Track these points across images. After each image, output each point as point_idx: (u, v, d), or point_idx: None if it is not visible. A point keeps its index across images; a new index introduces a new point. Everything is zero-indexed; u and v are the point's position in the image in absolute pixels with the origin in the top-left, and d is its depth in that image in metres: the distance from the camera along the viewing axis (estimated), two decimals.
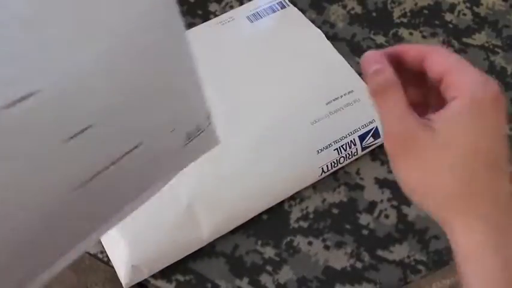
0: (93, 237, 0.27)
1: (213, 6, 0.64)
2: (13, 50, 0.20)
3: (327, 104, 0.54)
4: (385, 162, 0.54)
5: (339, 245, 0.50)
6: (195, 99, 0.30)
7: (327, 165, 0.51)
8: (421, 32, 0.62)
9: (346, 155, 0.52)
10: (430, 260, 0.49)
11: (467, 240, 0.30)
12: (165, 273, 0.49)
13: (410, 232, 0.50)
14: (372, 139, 0.53)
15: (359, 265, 0.49)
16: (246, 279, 0.48)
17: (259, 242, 0.50)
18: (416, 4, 0.64)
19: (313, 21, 0.62)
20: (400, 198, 0.52)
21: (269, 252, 0.50)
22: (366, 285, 0.48)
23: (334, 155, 0.52)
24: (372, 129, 0.53)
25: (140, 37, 0.25)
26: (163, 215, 0.48)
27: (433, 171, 0.30)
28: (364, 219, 0.51)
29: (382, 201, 0.52)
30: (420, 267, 0.49)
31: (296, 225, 0.51)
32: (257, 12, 0.61)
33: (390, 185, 0.53)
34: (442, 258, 0.49)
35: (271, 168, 0.50)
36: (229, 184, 0.49)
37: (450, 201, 0.30)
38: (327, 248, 0.50)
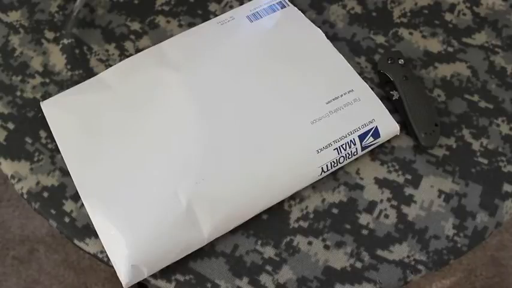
0: None
1: (213, 6, 0.64)
2: None
3: (326, 103, 0.54)
4: (384, 162, 0.54)
5: (339, 244, 0.50)
6: None
7: (326, 165, 0.51)
8: (421, 31, 0.62)
9: (345, 154, 0.52)
10: (430, 260, 0.49)
11: None
12: (165, 273, 0.49)
13: (410, 232, 0.50)
14: (371, 139, 0.53)
15: (359, 265, 0.49)
16: (245, 279, 0.48)
17: (259, 242, 0.50)
18: (416, 4, 0.64)
19: (313, 21, 0.62)
20: (399, 198, 0.52)
21: (269, 252, 0.50)
22: (366, 285, 0.48)
23: (334, 155, 0.52)
24: (372, 128, 0.53)
25: None
26: (163, 215, 0.48)
27: None
28: (364, 219, 0.51)
29: (381, 201, 0.52)
30: (420, 267, 0.49)
31: (296, 225, 0.51)
32: (257, 12, 0.61)
33: (390, 184, 0.53)
34: (442, 258, 0.49)
35: (271, 168, 0.50)
36: (228, 184, 0.49)
37: None
38: (326, 247, 0.50)
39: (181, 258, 0.49)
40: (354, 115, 0.53)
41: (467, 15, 0.63)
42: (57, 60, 0.61)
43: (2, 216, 1.24)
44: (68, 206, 0.52)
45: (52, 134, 0.56)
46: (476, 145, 0.55)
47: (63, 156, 0.53)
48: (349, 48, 0.61)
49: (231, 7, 0.64)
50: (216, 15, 0.63)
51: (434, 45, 0.61)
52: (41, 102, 0.56)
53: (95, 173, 0.51)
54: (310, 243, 0.50)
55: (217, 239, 0.50)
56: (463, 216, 0.51)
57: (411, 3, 0.64)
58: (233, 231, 0.51)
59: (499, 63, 0.60)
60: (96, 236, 0.50)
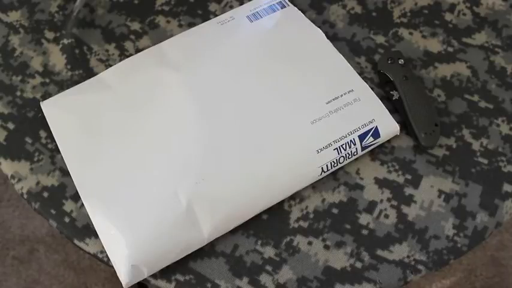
0: None
1: (213, 6, 0.64)
2: None
3: (326, 103, 0.54)
4: (384, 162, 0.54)
5: (339, 244, 0.50)
6: None
7: (326, 165, 0.51)
8: (421, 31, 0.62)
9: (345, 154, 0.52)
10: (430, 260, 0.49)
11: None
12: (165, 273, 0.49)
13: (410, 232, 0.50)
14: (371, 139, 0.53)
15: (359, 265, 0.49)
16: (245, 279, 0.48)
17: (259, 242, 0.50)
18: (416, 4, 0.64)
19: (313, 21, 0.62)
20: (399, 198, 0.52)
21: (269, 252, 0.50)
22: (366, 285, 0.48)
23: (334, 155, 0.52)
24: (372, 128, 0.53)
25: None
26: (163, 215, 0.48)
27: None
28: (364, 219, 0.51)
29: (381, 201, 0.52)
30: (420, 267, 0.49)
31: (296, 225, 0.51)
32: (257, 12, 0.61)
33: (390, 184, 0.53)
34: (442, 258, 0.49)
35: (271, 168, 0.50)
36: (228, 184, 0.49)
37: None
38: (326, 248, 0.50)
39: (181, 258, 0.49)
40: (354, 115, 0.53)
41: (467, 15, 0.63)
42: (57, 60, 0.61)
43: (2, 216, 1.24)
44: (68, 206, 0.52)
45: (52, 134, 0.56)
46: (476, 145, 0.55)
47: (63, 156, 0.53)
48: (349, 48, 0.61)
49: (231, 7, 0.64)
50: (216, 15, 0.63)
51: (434, 45, 0.61)
52: (41, 102, 0.56)
53: (95, 173, 0.51)
54: (310, 243, 0.50)
55: (217, 239, 0.50)
56: (463, 216, 0.51)
57: (411, 3, 0.64)
58: (233, 231, 0.51)
59: (499, 63, 0.60)
60: (96, 236, 0.50)
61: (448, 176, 0.53)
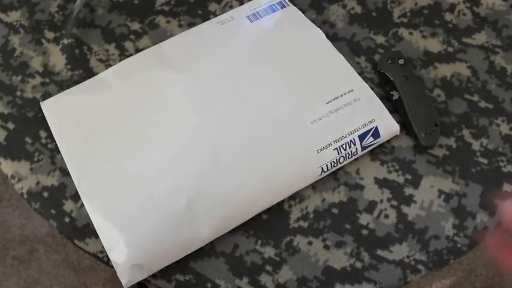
0: None
1: (213, 6, 0.64)
2: None
3: (326, 103, 0.54)
4: (384, 162, 0.54)
5: (339, 244, 0.50)
6: None
7: (326, 165, 0.51)
8: (421, 31, 0.62)
9: (345, 154, 0.52)
10: (430, 260, 0.49)
11: None
12: (165, 273, 0.49)
13: (410, 232, 0.50)
14: (371, 139, 0.53)
15: (359, 265, 0.49)
16: (245, 279, 0.48)
17: (259, 242, 0.50)
18: (416, 4, 0.64)
19: (313, 21, 0.62)
20: (399, 198, 0.52)
21: (269, 252, 0.50)
22: (366, 285, 0.48)
23: (334, 155, 0.52)
24: (372, 128, 0.53)
25: None
26: (163, 215, 0.48)
27: None
28: (364, 219, 0.51)
29: (381, 201, 0.52)
30: (420, 267, 0.49)
31: (296, 225, 0.51)
32: (257, 12, 0.61)
33: (390, 184, 0.53)
34: (442, 258, 0.49)
35: (271, 168, 0.50)
36: (228, 184, 0.49)
37: None
38: (326, 247, 0.50)
39: (181, 258, 0.49)
40: (354, 115, 0.53)
41: (467, 15, 0.63)
42: (57, 60, 0.61)
43: (2, 216, 1.24)
44: (68, 206, 0.52)
45: (52, 134, 0.56)
46: (476, 145, 0.55)
47: (63, 156, 0.53)
48: (349, 48, 0.61)
49: (231, 7, 0.64)
50: (216, 15, 0.63)
51: (434, 45, 0.61)
52: (41, 102, 0.56)
53: (95, 173, 0.51)
54: (310, 243, 0.50)
55: (217, 239, 0.50)
56: (463, 216, 0.51)
57: (411, 3, 0.64)
58: (233, 231, 0.51)
59: (499, 63, 0.60)
60: (96, 236, 0.50)
61: (448, 176, 0.53)
